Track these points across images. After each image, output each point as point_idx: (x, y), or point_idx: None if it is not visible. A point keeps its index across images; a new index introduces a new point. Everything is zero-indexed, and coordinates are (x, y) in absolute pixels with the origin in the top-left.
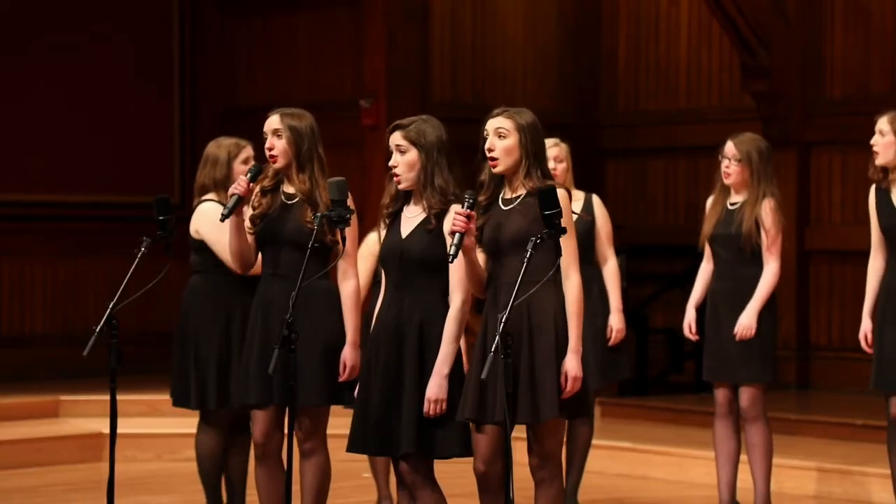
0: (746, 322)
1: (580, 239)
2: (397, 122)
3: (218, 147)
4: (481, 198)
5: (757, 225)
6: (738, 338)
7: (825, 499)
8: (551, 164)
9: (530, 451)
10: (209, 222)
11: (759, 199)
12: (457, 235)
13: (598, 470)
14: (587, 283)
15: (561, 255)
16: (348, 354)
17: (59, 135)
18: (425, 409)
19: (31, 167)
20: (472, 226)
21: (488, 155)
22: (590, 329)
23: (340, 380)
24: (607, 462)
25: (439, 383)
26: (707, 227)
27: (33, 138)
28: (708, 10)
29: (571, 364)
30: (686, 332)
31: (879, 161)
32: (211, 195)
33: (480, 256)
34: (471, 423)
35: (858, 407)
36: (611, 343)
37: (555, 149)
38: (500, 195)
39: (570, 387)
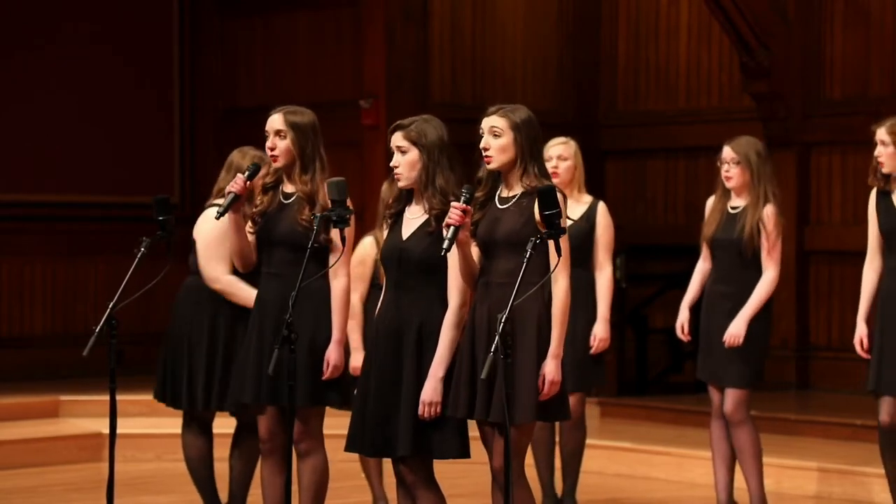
0: (735, 331)
1: (577, 243)
2: (398, 122)
3: (243, 156)
4: (478, 194)
5: (758, 229)
6: (726, 345)
7: (825, 499)
8: (554, 162)
9: (495, 450)
10: (205, 232)
11: (760, 203)
12: (451, 229)
13: (597, 470)
14: (576, 288)
15: (560, 256)
16: (332, 353)
17: (60, 135)
18: (420, 411)
19: (32, 167)
20: (468, 220)
21: (483, 153)
22: (567, 332)
23: (323, 378)
24: (607, 462)
25: (434, 386)
26: (708, 229)
27: (33, 139)
28: (708, 10)
29: (550, 368)
30: (678, 332)
31: (886, 170)
32: (221, 200)
33: (475, 251)
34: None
35: (858, 407)
36: (593, 351)
37: (559, 147)
38: (497, 193)
39: (548, 390)
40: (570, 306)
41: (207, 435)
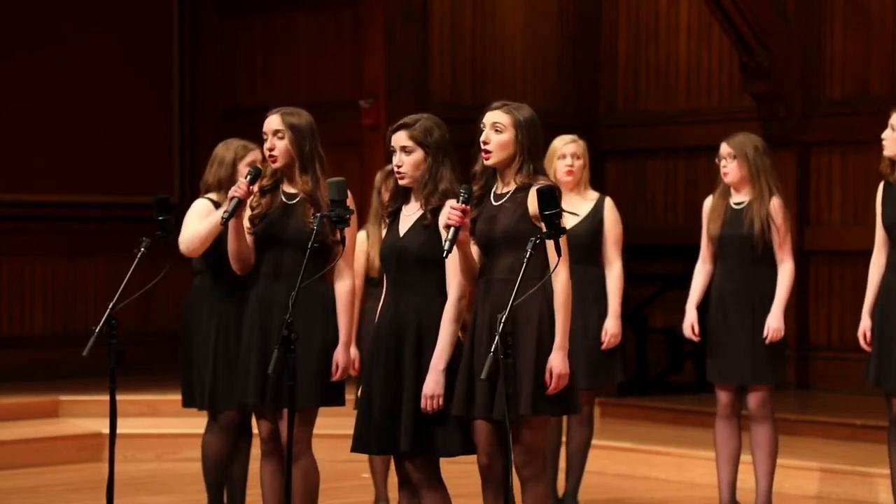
0: (776, 325)
1: (587, 240)
2: (401, 121)
3: (226, 148)
4: (474, 188)
5: (768, 223)
6: (768, 341)
7: (825, 499)
8: (568, 161)
9: (514, 447)
10: (189, 214)
11: (764, 197)
12: (452, 230)
13: (598, 470)
14: (584, 285)
15: (560, 256)
16: (340, 355)
17: (59, 135)
18: (422, 404)
19: (31, 167)
20: (468, 220)
21: (483, 147)
22: (580, 330)
23: (333, 380)
24: (607, 462)
25: (436, 379)
26: (713, 227)
27: (33, 138)
28: (708, 11)
29: (556, 361)
30: (688, 332)
31: (887, 152)
32: (211, 194)
33: (474, 249)
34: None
35: (858, 407)
36: (604, 347)
37: (572, 145)
38: (493, 189)
39: (556, 383)
40: (583, 303)
41: (229, 436)
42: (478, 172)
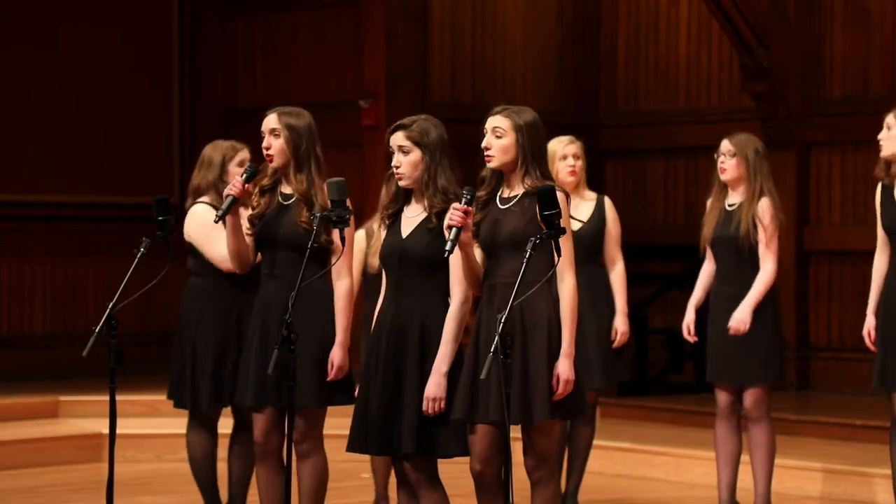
0: (740, 316)
1: (589, 241)
2: (399, 122)
3: (213, 149)
4: (480, 193)
5: (755, 224)
6: (731, 332)
7: (825, 499)
8: (570, 162)
9: (525, 451)
10: (198, 225)
11: (755, 199)
12: (454, 230)
13: (598, 470)
14: (594, 285)
15: (560, 256)
16: (336, 354)
17: (59, 135)
18: (424, 407)
19: (31, 167)
20: (470, 221)
21: (484, 152)
22: (594, 330)
23: (328, 379)
24: (607, 462)
25: (438, 382)
26: (707, 230)
27: (33, 138)
28: (708, 11)
29: (563, 367)
30: (685, 333)
31: (884, 153)
32: (204, 198)
33: (478, 252)
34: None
35: (858, 407)
36: (615, 345)
37: (572, 146)
38: (499, 193)
39: (562, 389)
40: (594, 302)
41: (212, 435)
42: (486, 177)
